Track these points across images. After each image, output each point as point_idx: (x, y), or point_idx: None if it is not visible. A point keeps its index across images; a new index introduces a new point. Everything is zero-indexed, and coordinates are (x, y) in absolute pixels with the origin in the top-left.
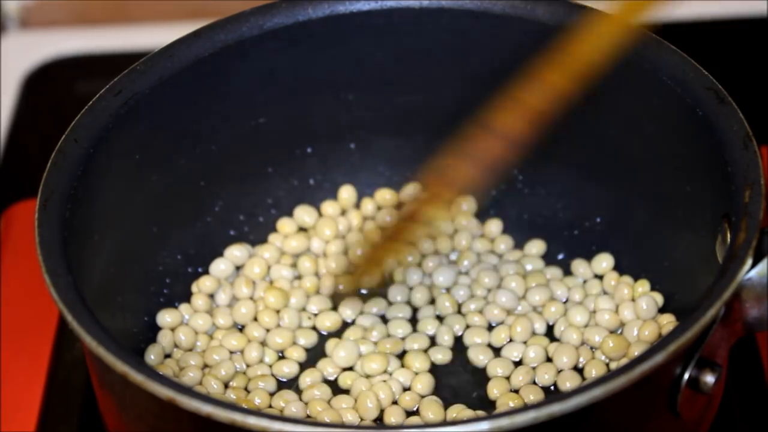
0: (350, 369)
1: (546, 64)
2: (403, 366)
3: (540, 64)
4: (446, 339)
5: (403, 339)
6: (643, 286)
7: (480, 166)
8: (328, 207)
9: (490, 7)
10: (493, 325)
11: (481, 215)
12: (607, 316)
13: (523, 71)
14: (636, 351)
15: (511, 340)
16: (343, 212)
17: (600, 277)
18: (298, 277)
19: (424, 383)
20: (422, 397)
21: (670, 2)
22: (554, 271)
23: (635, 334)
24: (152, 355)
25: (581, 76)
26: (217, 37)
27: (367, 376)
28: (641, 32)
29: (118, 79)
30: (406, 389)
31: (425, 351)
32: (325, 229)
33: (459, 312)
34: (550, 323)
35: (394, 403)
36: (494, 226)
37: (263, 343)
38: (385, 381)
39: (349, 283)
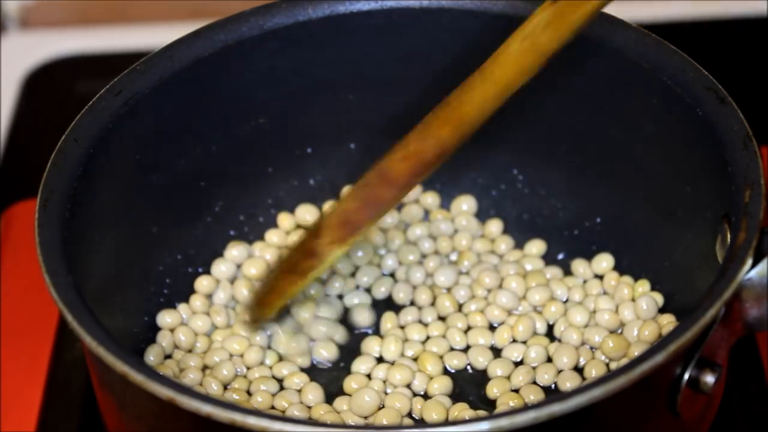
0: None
1: (435, 114)
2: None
3: (431, 116)
4: (458, 339)
5: (422, 343)
6: (643, 286)
7: (369, 206)
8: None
9: (490, 7)
10: (495, 325)
11: (481, 215)
12: (607, 316)
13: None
14: (636, 351)
15: (513, 341)
16: None
17: (600, 277)
18: None
19: (441, 385)
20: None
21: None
22: (554, 271)
23: (635, 334)
24: (151, 356)
25: (468, 130)
26: (217, 37)
27: (385, 382)
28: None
29: (118, 79)
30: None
31: (441, 356)
32: None
33: (459, 311)
34: (551, 323)
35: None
36: (494, 226)
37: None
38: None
39: (252, 315)
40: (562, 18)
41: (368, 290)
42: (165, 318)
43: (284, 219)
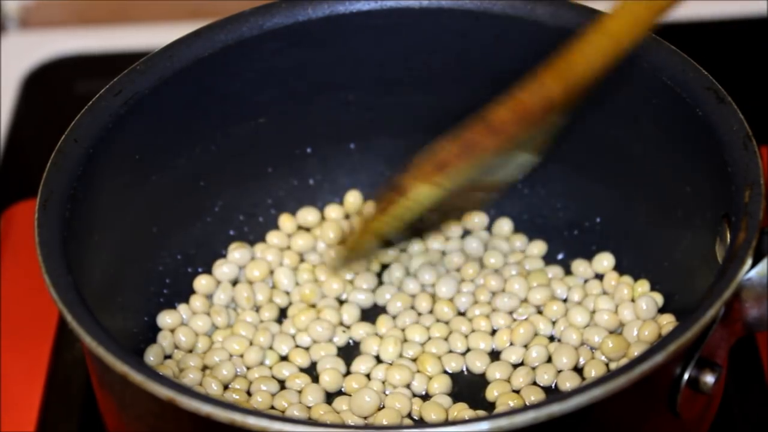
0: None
1: (547, 67)
2: (418, 371)
3: (542, 67)
4: (459, 345)
5: (422, 345)
6: (643, 286)
7: (465, 150)
8: (332, 211)
9: (489, 7)
10: (495, 328)
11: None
12: (607, 316)
13: (528, 72)
14: (636, 351)
15: (511, 344)
16: (347, 216)
17: (600, 277)
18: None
19: (441, 384)
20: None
21: (676, 2)
22: (555, 270)
23: (635, 334)
24: (151, 356)
25: (579, 85)
26: (216, 37)
27: (384, 383)
28: (645, 36)
29: (118, 79)
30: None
31: (439, 357)
32: (329, 231)
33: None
34: (552, 322)
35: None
36: (506, 225)
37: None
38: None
39: (341, 252)
40: None
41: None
42: (165, 318)
43: (284, 219)
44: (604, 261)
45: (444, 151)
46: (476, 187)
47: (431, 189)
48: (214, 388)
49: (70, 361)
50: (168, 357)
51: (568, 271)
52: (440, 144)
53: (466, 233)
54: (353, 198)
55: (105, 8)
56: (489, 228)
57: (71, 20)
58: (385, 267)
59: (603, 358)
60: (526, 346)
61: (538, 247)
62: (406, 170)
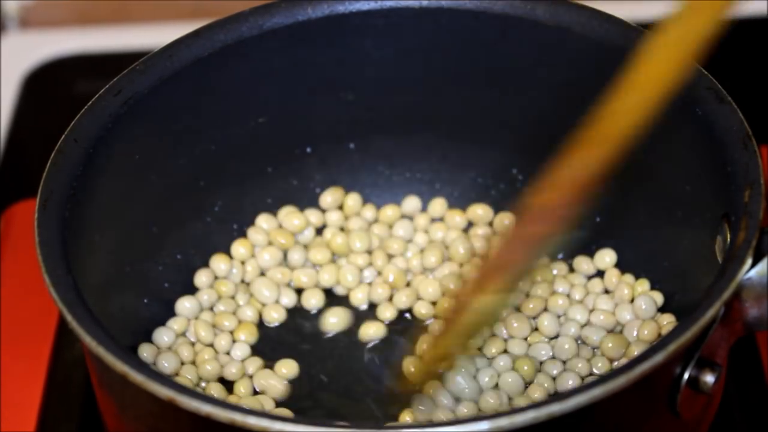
0: None
1: (587, 132)
2: None
3: (581, 134)
4: None
5: None
6: (643, 285)
7: (522, 246)
8: (333, 215)
9: (489, 6)
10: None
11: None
12: (606, 316)
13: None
14: (636, 351)
15: (511, 337)
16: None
17: (601, 274)
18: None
19: None
20: None
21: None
22: (558, 267)
23: (635, 334)
24: (145, 354)
25: (623, 144)
26: (216, 37)
27: None
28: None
29: (117, 79)
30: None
31: None
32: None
33: None
34: (550, 321)
35: None
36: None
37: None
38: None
39: (419, 374)
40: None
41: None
42: (163, 318)
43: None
44: (607, 256)
45: (500, 251)
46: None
47: (497, 296)
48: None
49: (70, 361)
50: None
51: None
52: (494, 244)
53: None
54: (352, 201)
55: (105, 8)
56: (491, 223)
57: (71, 20)
58: None
59: (602, 357)
60: (526, 339)
61: None
62: (468, 282)
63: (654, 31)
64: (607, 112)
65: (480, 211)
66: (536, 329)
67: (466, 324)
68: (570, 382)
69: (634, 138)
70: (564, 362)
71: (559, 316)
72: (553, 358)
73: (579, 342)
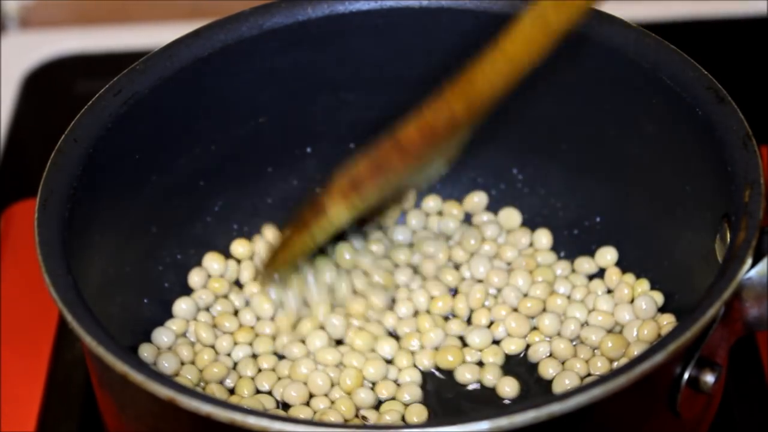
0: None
1: (451, 86)
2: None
3: (447, 85)
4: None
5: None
6: (643, 285)
7: (376, 169)
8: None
9: (489, 6)
10: (493, 320)
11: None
12: (605, 316)
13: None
14: (636, 351)
15: (509, 335)
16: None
17: (601, 274)
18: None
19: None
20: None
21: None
22: (560, 266)
23: (635, 334)
24: (145, 354)
25: (481, 104)
26: (216, 36)
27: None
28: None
29: (117, 79)
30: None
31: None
32: None
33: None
34: (549, 321)
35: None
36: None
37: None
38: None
39: (266, 270)
40: None
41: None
42: (163, 318)
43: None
44: (608, 254)
45: (357, 170)
46: (393, 194)
47: (346, 209)
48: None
49: (70, 361)
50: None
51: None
52: (354, 162)
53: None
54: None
55: (105, 8)
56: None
57: (71, 20)
58: None
59: (601, 357)
60: (525, 338)
61: (547, 238)
62: (325, 188)
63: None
64: (470, 72)
65: (476, 198)
66: (535, 328)
67: (316, 228)
68: (567, 381)
69: (489, 101)
70: (563, 363)
71: (559, 316)
72: (551, 356)
73: (575, 342)
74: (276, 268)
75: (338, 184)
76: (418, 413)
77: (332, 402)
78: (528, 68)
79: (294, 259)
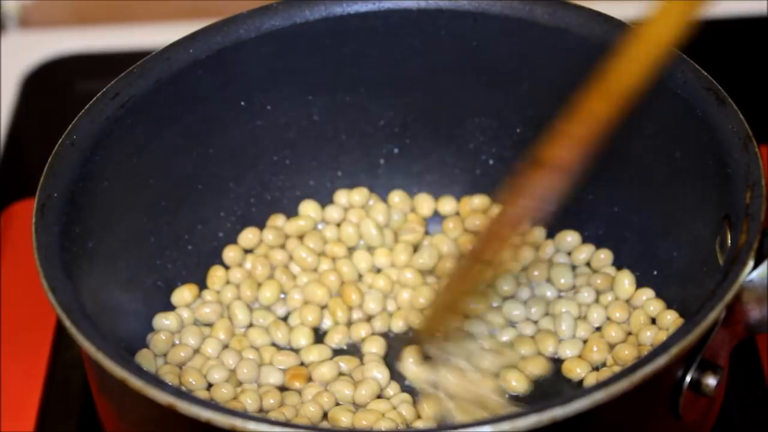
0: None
1: (587, 91)
2: None
3: (582, 93)
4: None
5: None
6: (643, 288)
7: (537, 201)
8: (333, 212)
9: (488, 8)
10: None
11: None
12: (603, 318)
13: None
14: (637, 354)
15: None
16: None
17: (599, 275)
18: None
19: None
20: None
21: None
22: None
23: (637, 337)
24: (144, 359)
25: (623, 98)
26: (214, 39)
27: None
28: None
29: (114, 82)
30: None
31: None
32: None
33: None
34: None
35: None
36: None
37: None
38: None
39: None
40: None
41: None
42: (162, 321)
43: (280, 219)
44: (602, 255)
45: (512, 206)
46: None
47: (511, 248)
48: (224, 392)
49: (69, 362)
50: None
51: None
52: (505, 200)
53: None
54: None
55: (105, 8)
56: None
57: (71, 20)
58: None
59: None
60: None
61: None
62: (479, 235)
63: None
64: (607, 71)
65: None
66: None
67: (484, 274)
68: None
69: (631, 96)
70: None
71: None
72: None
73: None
74: (437, 329)
75: (496, 225)
76: None
77: None
78: (668, 52)
79: (457, 314)
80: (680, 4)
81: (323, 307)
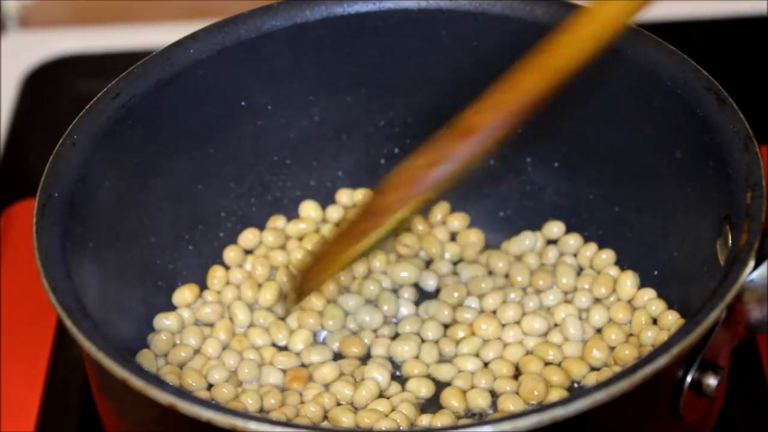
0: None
1: (524, 64)
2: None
3: (518, 65)
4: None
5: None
6: (644, 288)
7: (449, 164)
8: (334, 212)
9: (488, 8)
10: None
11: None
12: (604, 318)
13: (502, 73)
14: (637, 354)
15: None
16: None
17: (600, 275)
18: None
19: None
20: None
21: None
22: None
23: (638, 338)
24: (144, 359)
25: (558, 77)
26: (214, 39)
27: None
28: (623, 30)
29: (115, 82)
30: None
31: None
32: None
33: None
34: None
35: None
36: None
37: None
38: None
39: (296, 287)
40: None
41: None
42: (163, 321)
43: (280, 220)
44: (604, 254)
45: (416, 166)
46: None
47: (409, 209)
48: (225, 392)
49: (70, 362)
50: (166, 361)
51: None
52: (414, 156)
53: None
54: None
55: (105, 8)
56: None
57: (71, 20)
58: None
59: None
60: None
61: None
62: (379, 190)
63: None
64: (547, 49)
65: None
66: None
67: (378, 231)
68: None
69: (565, 74)
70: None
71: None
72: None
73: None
74: (313, 285)
75: (394, 182)
76: None
77: None
78: (606, 43)
79: (337, 270)
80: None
81: (320, 312)
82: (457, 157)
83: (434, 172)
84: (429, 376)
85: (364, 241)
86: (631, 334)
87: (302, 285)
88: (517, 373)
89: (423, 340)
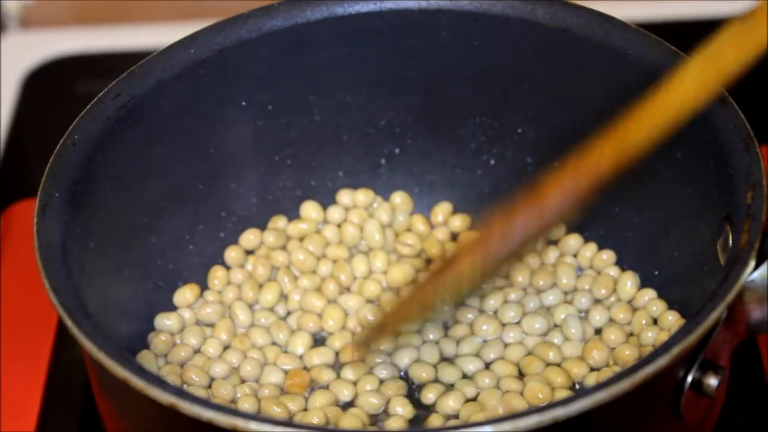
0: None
1: (604, 138)
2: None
3: (597, 138)
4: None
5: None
6: (645, 288)
7: (513, 238)
8: (335, 212)
9: (489, 8)
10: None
11: None
12: (604, 318)
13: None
14: (638, 354)
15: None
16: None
17: (600, 275)
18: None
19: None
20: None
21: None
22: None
23: (638, 338)
24: (145, 359)
25: (635, 155)
26: (215, 39)
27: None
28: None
29: (116, 83)
30: None
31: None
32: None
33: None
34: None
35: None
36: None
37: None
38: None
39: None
40: (751, 33)
41: None
42: (164, 321)
43: (281, 220)
44: (604, 254)
45: (491, 233)
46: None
47: (482, 276)
48: (223, 392)
49: (70, 362)
50: (167, 361)
51: None
52: (496, 215)
53: None
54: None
55: (105, 8)
56: None
57: (71, 20)
58: None
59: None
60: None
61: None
62: (462, 244)
63: (690, 53)
64: (626, 122)
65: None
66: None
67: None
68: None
69: (640, 154)
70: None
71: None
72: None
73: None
74: (390, 332)
75: (467, 246)
76: None
77: None
78: (694, 112)
79: (417, 317)
80: (705, 66)
81: (320, 315)
82: (524, 232)
83: (502, 244)
84: (433, 378)
85: (433, 302)
86: (631, 335)
87: (379, 332)
88: (518, 374)
89: (423, 341)
